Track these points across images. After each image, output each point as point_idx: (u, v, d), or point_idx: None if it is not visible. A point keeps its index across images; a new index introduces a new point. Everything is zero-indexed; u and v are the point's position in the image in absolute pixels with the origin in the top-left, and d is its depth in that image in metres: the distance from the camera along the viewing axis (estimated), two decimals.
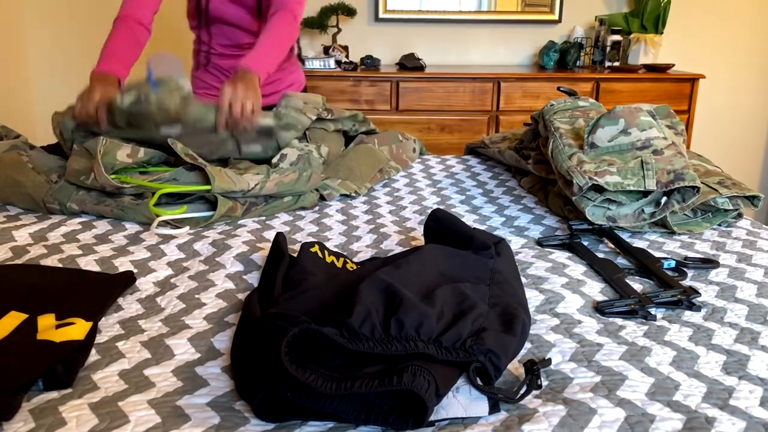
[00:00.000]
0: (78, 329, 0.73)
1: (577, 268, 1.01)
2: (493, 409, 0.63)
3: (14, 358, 0.66)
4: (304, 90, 2.04)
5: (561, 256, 1.07)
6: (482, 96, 2.94)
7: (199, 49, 1.83)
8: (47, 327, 0.73)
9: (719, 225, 1.23)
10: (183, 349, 0.75)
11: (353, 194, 1.39)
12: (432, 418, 0.62)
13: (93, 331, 0.75)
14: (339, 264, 0.93)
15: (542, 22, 3.31)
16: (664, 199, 1.16)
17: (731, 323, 0.83)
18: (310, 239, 1.14)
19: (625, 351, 0.75)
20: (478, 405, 0.63)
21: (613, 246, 1.12)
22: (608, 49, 3.17)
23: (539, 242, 1.12)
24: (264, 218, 1.26)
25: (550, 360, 0.70)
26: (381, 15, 3.26)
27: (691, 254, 1.08)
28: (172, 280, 0.94)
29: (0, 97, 3.09)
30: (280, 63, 1.66)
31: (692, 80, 2.96)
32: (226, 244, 1.09)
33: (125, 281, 0.89)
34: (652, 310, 0.86)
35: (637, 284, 0.95)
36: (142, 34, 1.56)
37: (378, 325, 0.64)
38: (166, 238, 1.12)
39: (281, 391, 0.60)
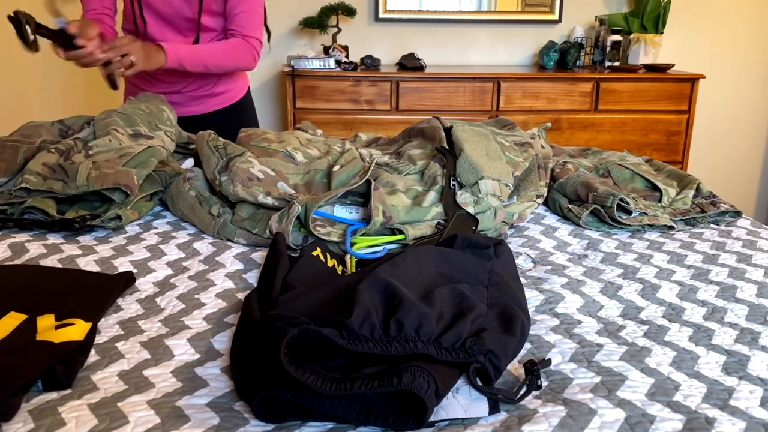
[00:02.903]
0: (77, 330, 0.73)
1: (576, 269, 1.01)
2: (493, 409, 0.63)
3: (14, 359, 0.66)
4: (247, 94, 1.97)
5: (561, 257, 1.06)
6: (482, 96, 2.94)
7: None
8: (46, 327, 0.73)
9: (717, 224, 1.23)
10: (182, 350, 0.75)
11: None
12: (432, 418, 0.62)
13: (92, 332, 0.75)
14: (339, 270, 0.93)
15: (542, 22, 3.31)
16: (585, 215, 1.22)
17: (731, 323, 0.83)
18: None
19: (625, 351, 0.75)
20: (478, 405, 0.63)
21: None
22: (608, 49, 3.17)
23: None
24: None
25: (549, 360, 0.70)
26: (381, 15, 3.26)
27: (691, 254, 1.08)
28: (171, 280, 0.94)
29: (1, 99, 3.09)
30: (204, 76, 1.74)
31: (692, 80, 2.96)
32: (226, 244, 1.09)
33: (125, 281, 0.89)
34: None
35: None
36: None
37: (377, 325, 0.63)
38: (166, 238, 1.12)
39: (281, 392, 0.60)
